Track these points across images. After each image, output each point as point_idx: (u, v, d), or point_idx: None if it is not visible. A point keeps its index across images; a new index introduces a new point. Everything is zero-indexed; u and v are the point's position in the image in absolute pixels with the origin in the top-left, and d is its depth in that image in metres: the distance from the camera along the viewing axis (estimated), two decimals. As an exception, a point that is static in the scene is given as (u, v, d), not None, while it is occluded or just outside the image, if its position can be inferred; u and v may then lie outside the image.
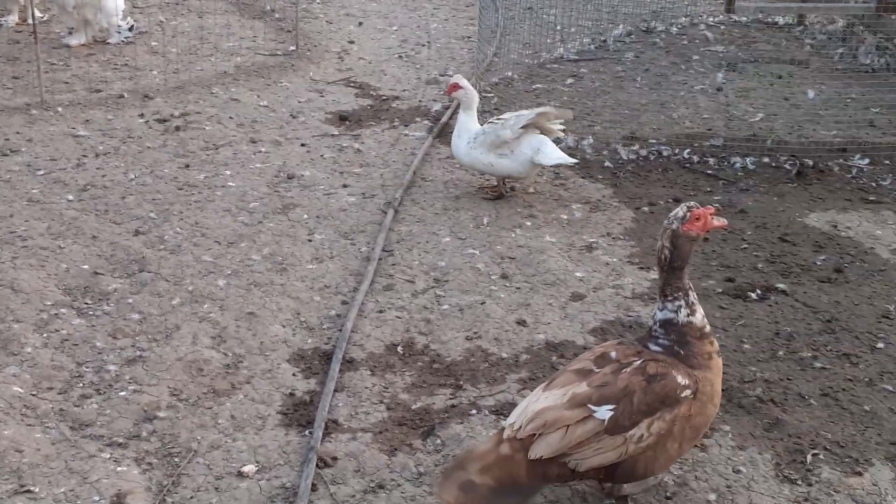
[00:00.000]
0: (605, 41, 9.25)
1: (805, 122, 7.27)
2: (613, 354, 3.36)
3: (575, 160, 5.97)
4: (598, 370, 3.30)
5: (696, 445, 3.72)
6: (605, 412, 3.18)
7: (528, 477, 3.22)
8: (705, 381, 3.30)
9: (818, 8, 8.56)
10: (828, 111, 7.47)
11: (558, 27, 9.42)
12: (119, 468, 3.72)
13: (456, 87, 6.03)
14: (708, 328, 3.41)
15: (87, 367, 4.31)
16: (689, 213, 3.35)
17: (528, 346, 4.54)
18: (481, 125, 6.07)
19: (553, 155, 5.85)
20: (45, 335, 4.51)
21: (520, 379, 4.29)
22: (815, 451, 3.79)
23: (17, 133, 6.78)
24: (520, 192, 6.18)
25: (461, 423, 4.00)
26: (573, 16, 9.61)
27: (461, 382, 4.29)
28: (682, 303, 3.35)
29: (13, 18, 9.20)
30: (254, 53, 8.77)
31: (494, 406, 4.11)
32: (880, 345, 4.51)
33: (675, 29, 9.68)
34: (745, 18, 9.98)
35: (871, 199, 6.14)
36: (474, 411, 4.08)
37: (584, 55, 8.89)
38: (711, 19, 10.01)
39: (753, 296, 4.93)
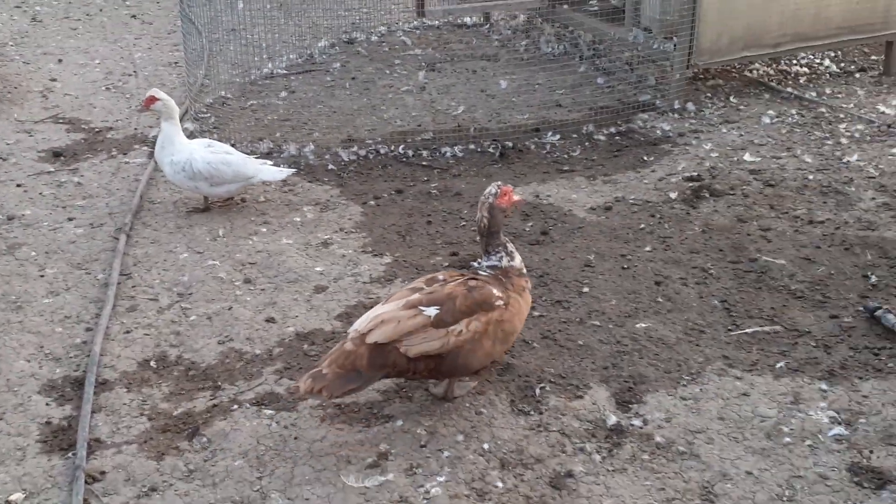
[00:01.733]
0: (311, 54, 9.61)
1: (501, 109, 7.98)
2: (441, 276, 4.13)
3: (291, 171, 6.26)
4: (427, 287, 4.04)
5: (506, 352, 4.32)
6: (432, 311, 3.92)
7: (368, 364, 3.86)
8: (515, 299, 4.10)
9: (497, 6, 9.35)
10: (520, 97, 8.23)
11: (264, 45, 9.65)
12: None
13: (153, 99, 6.09)
14: (524, 270, 4.24)
15: None
16: (499, 190, 4.14)
17: (279, 340, 4.78)
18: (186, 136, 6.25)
19: (272, 172, 6.15)
20: None
21: (276, 370, 4.53)
22: (542, 385, 4.31)
23: None
24: (251, 201, 6.39)
25: (224, 419, 4.19)
26: (277, 33, 9.89)
27: (219, 383, 4.46)
28: (503, 253, 4.19)
29: None
30: (-52, 100, 8.38)
31: (255, 398, 4.32)
32: (585, 289, 5.14)
33: (374, 37, 10.21)
34: (437, 22, 10.68)
35: (565, 168, 6.87)
36: (235, 406, 4.27)
37: (293, 69, 9.20)
38: (407, 26, 10.63)
39: (475, 264, 5.44)
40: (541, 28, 10.02)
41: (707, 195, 6.24)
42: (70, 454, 3.98)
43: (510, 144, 7.24)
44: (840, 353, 4.50)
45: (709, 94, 8.19)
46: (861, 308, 4.83)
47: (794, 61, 8.98)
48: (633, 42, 8.36)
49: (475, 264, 4.30)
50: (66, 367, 4.62)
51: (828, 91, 8.15)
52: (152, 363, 4.63)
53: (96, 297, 5.22)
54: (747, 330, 4.72)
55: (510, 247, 4.24)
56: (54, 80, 9.17)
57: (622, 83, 8.40)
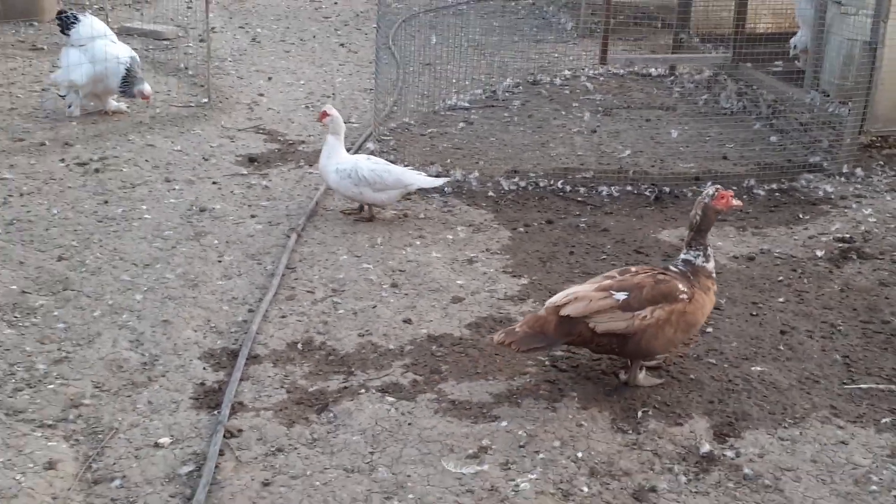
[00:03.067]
0: (494, 91, 10.14)
1: (667, 156, 8.19)
2: (633, 269, 4.66)
3: (445, 179, 6.84)
4: (619, 276, 4.59)
5: (685, 343, 4.88)
6: (621, 295, 4.45)
7: (555, 331, 4.45)
8: (700, 295, 4.55)
9: (682, 59, 9.58)
10: (688, 147, 8.42)
11: (454, 80, 10.26)
12: (49, 443, 4.27)
13: (325, 114, 6.81)
14: (714, 275, 4.69)
15: (17, 369, 4.85)
16: (717, 192, 4.66)
17: (412, 339, 5.23)
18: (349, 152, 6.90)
19: (429, 181, 6.72)
20: (-22, 342, 5.04)
21: (403, 364, 4.97)
22: (646, 409, 4.54)
23: (-55, 176, 7.29)
24: (412, 217, 6.92)
25: (351, 400, 4.65)
26: (467, 70, 10.48)
27: (353, 369, 4.95)
28: (701, 253, 4.66)
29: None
30: (168, 105, 9.41)
31: (381, 386, 4.77)
32: (709, 329, 5.31)
33: (558, 80, 10.63)
34: (621, 71, 10.99)
35: (718, 218, 7.00)
36: (363, 391, 4.73)
37: (475, 103, 9.75)
38: (591, 72, 11.00)
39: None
40: (724, 84, 10.14)
41: (854, 257, 6.25)
42: (216, 412, 4.55)
43: (668, 189, 7.46)
44: (954, 418, 4.49)
45: (881, 163, 8.10)
46: None
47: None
48: (810, 104, 8.38)
49: (675, 259, 4.82)
50: (226, 339, 5.24)
51: None
52: (299, 345, 5.18)
53: (262, 285, 5.85)
54: (862, 385, 4.77)
55: (710, 251, 4.70)
56: (262, 94, 10.11)
57: (794, 143, 8.42)
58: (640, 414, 4.51)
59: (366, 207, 6.88)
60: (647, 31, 12.50)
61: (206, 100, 9.61)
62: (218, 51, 11.60)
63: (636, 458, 4.20)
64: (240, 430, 4.42)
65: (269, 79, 10.78)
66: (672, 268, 4.67)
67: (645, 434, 4.37)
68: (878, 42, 7.54)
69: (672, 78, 10.80)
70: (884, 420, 4.47)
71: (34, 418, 4.45)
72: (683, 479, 4.07)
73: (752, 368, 4.91)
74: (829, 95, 8.19)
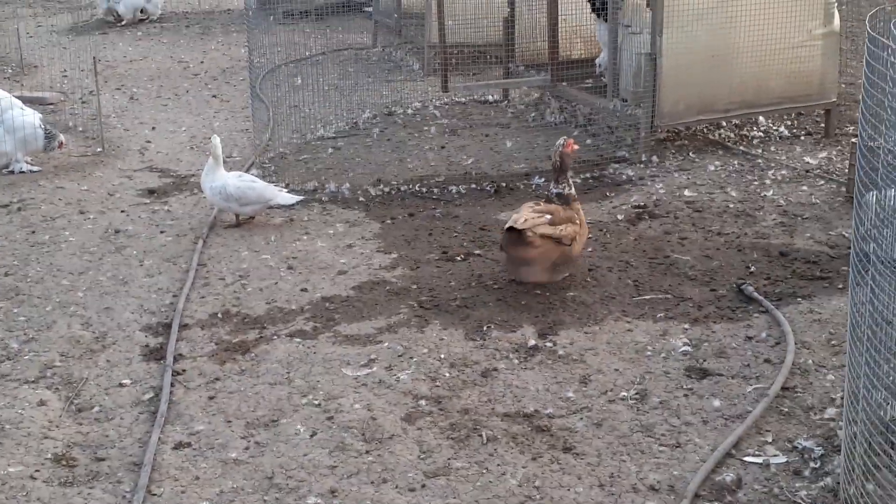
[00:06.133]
0: (356, 123, 11.70)
1: (503, 161, 9.90)
2: (541, 203, 6.70)
3: (300, 197, 8.39)
4: (537, 206, 6.64)
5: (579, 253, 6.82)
6: (546, 217, 6.49)
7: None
8: (582, 219, 6.70)
9: (508, 83, 11.37)
10: (520, 153, 10.16)
11: (319, 117, 11.77)
12: (36, 391, 5.54)
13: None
14: (576, 196, 6.76)
15: (-6, 348, 6.08)
16: (565, 142, 6.75)
17: (309, 301, 6.68)
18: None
19: (286, 198, 8.27)
20: (-44, 334, 6.23)
21: (305, 318, 6.40)
22: (489, 325, 6.12)
23: None
24: (298, 220, 8.37)
25: (267, 344, 6.06)
26: (330, 107, 12.01)
27: (265, 326, 6.35)
28: (566, 185, 6.69)
29: None
30: (68, 156, 10.60)
31: (289, 333, 6.17)
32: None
33: (410, 110, 12.29)
34: (463, 99, 12.76)
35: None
36: (276, 338, 6.15)
37: (340, 133, 11.28)
38: (438, 102, 12.70)
39: (458, 258, 7.31)
40: (548, 102, 12.00)
41: (646, 217, 8.04)
42: (162, 361, 5.89)
43: (504, 185, 9.15)
44: (707, 310, 6.25)
45: (673, 151, 10.01)
46: (734, 284, 6.56)
47: (754, 128, 10.76)
48: (613, 110, 10.28)
49: (548, 191, 6.82)
50: (158, 317, 6.57)
51: (772, 149, 9.93)
52: (219, 315, 6.55)
53: (180, 278, 7.19)
54: (646, 297, 6.49)
55: (570, 182, 6.74)
56: (149, 142, 11.38)
57: (605, 142, 10.28)
58: (485, 328, 6.09)
59: (237, 218, 8.31)
60: (482, 67, 14.36)
61: (100, 149, 10.84)
62: (98, 110, 12.79)
63: (483, 354, 5.77)
64: (183, 370, 5.78)
65: (153, 128, 12.04)
66: (554, 200, 6.64)
67: (489, 340, 5.95)
68: (657, 54, 9.48)
69: (506, 102, 12.62)
70: (659, 315, 6.19)
71: (19, 378, 5.71)
72: (516, 361, 5.66)
73: (567, 294, 6.58)
74: (627, 101, 10.08)
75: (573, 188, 6.79)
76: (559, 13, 11.44)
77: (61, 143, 10.02)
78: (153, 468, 4.78)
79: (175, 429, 5.17)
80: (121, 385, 5.64)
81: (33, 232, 8.21)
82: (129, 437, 5.12)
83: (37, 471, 4.81)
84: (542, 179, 9.26)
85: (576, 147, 6.84)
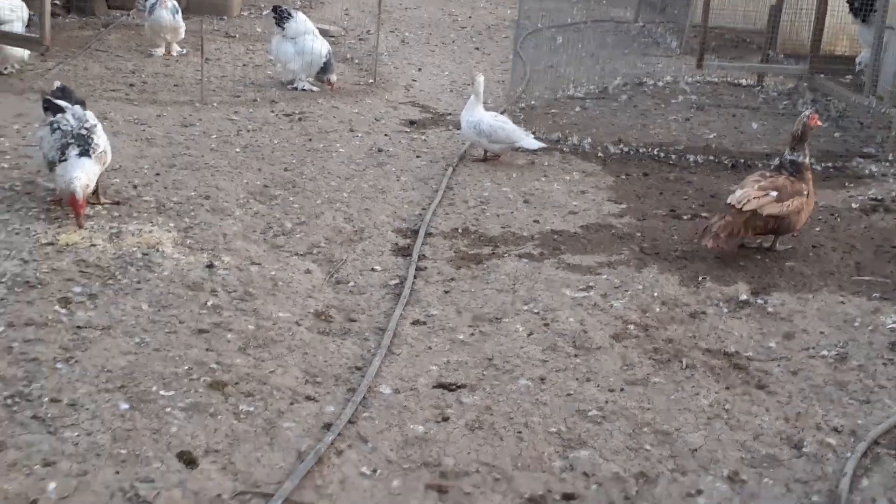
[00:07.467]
0: (606, 88, 12.20)
1: (745, 141, 10.12)
2: (768, 174, 6.97)
3: (544, 144, 8.95)
4: (763, 180, 6.87)
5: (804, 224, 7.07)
6: (773, 194, 6.72)
7: (745, 224, 6.76)
8: (811, 190, 6.92)
9: (765, 69, 11.47)
10: (764, 136, 10.33)
11: (572, 79, 12.35)
12: (303, 263, 6.51)
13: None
14: (808, 165, 7.00)
15: (273, 225, 7.11)
16: (811, 114, 6.98)
17: (539, 231, 7.33)
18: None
19: (532, 142, 8.85)
20: (244, 210, 7.33)
21: (534, 244, 7.06)
22: (706, 276, 6.53)
23: (190, 115, 9.72)
24: (538, 164, 9.03)
25: (498, 260, 6.76)
26: (583, 72, 12.56)
27: (498, 245, 7.06)
28: (801, 153, 6.94)
29: (160, 51, 12.25)
30: (344, 83, 11.75)
31: (518, 254, 6.87)
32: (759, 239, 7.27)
33: (661, 83, 12.64)
34: (716, 79, 12.93)
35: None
36: (506, 255, 6.84)
37: (588, 95, 11.83)
38: (690, 79, 12.96)
39: (685, 217, 7.72)
40: (802, 92, 11.99)
41: (881, 210, 8.10)
42: (408, 257, 6.72)
43: (743, 161, 9.40)
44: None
45: (924, 154, 9.87)
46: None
47: None
48: (868, 106, 10.22)
49: (782, 158, 7.07)
50: (408, 224, 7.42)
51: None
52: (459, 230, 7.32)
53: (430, 196, 8.02)
54: (865, 277, 6.67)
55: (807, 150, 6.98)
56: (414, 80, 12.39)
57: (853, 137, 10.26)
58: (700, 279, 6.52)
59: (485, 153, 9.02)
60: (741, 52, 14.42)
61: (371, 80, 11.93)
62: (376, 47, 13.95)
63: (694, 298, 6.21)
64: (425, 268, 6.59)
65: (419, 70, 13.06)
66: (784, 171, 6.89)
67: (702, 290, 6.37)
68: (922, 55, 9.37)
69: (759, 87, 12.69)
70: (875, 294, 6.38)
71: (290, 251, 6.70)
72: (725, 309, 6.07)
73: (786, 263, 6.86)
74: (883, 100, 10.00)
75: (808, 157, 7.04)
76: (828, 7, 11.43)
77: (330, 81, 11.18)
78: (395, 335, 5.60)
79: (414, 310, 5.97)
80: (373, 270, 6.51)
81: (310, 139, 9.31)
82: (377, 310, 5.98)
83: (301, 319, 5.75)
84: (778, 161, 9.42)
85: (819, 123, 7.08)
